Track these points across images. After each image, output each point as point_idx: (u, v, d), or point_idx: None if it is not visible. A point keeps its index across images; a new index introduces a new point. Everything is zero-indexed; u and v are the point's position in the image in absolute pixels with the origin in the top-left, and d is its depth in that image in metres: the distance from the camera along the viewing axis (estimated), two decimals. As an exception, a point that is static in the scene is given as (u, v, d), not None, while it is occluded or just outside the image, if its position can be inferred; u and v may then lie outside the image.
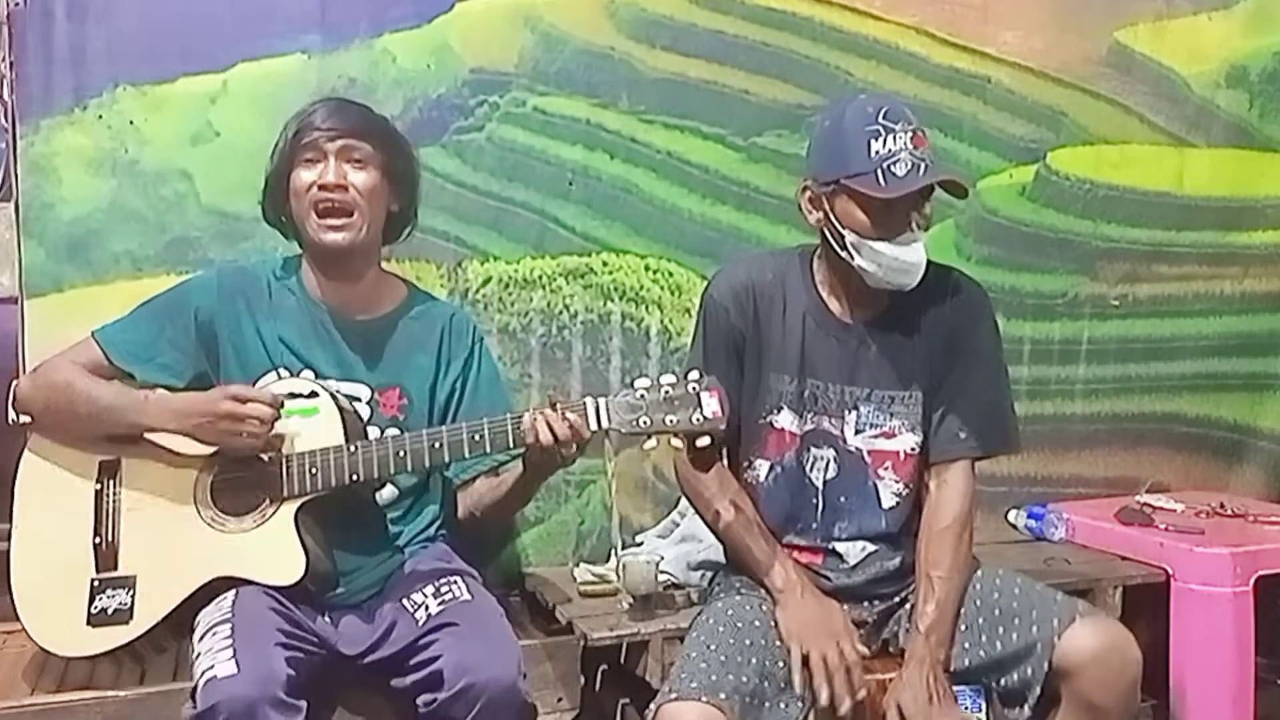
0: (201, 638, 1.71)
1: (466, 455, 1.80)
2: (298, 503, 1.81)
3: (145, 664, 1.90)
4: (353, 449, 1.81)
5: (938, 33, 2.76)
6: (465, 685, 1.66)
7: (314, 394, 1.85)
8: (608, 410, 1.76)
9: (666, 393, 1.74)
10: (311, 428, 1.83)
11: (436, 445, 1.79)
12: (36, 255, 2.24)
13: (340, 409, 1.85)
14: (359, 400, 1.94)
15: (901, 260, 1.85)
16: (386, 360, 1.97)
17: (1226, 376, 3.06)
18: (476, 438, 1.78)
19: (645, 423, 1.74)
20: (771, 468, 2.00)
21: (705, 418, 1.73)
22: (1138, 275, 2.97)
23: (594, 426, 1.76)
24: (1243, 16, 2.99)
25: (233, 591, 1.78)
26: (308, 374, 1.92)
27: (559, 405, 1.76)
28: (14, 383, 1.95)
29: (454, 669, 1.68)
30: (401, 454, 1.80)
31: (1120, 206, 2.93)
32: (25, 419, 1.92)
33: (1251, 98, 3.01)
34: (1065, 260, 2.90)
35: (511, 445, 1.78)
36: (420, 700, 1.72)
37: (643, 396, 1.75)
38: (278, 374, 1.92)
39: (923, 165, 1.81)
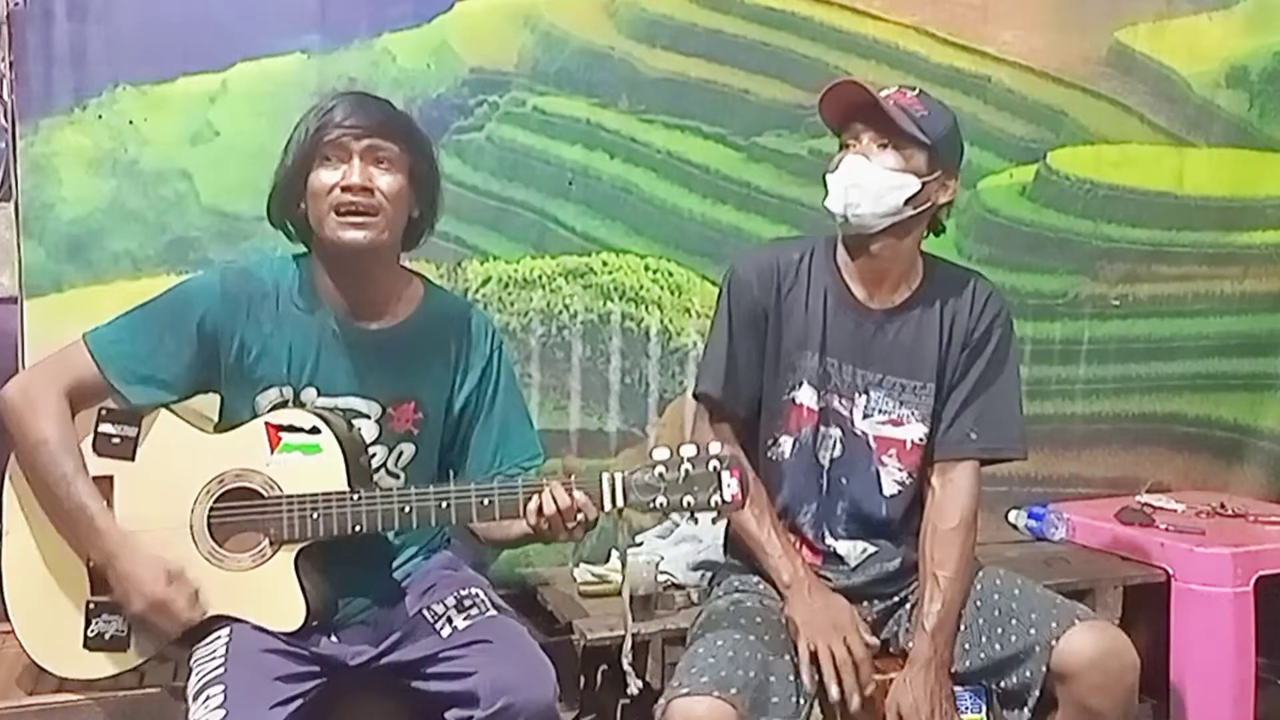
0: (195, 695, 1.65)
1: (474, 519, 1.74)
2: (298, 547, 1.74)
3: (144, 669, 1.88)
4: (356, 498, 1.73)
5: (938, 33, 2.76)
6: (504, 705, 1.63)
7: (316, 429, 1.76)
8: (623, 488, 1.68)
9: (686, 471, 1.66)
10: (312, 467, 1.74)
11: (444, 505, 1.73)
12: (36, 255, 2.24)
13: (343, 446, 1.75)
14: (367, 418, 1.85)
15: (835, 183, 1.89)
16: (401, 372, 1.86)
17: (1226, 376, 3.06)
18: (485, 502, 1.71)
19: (662, 503, 1.67)
20: (794, 444, 1.99)
21: (724, 501, 1.66)
22: (1138, 275, 2.97)
23: (608, 508, 1.69)
24: (1243, 16, 3.00)
25: (226, 630, 1.73)
26: (310, 392, 1.82)
27: (572, 481, 1.69)
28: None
29: (491, 688, 1.65)
30: (407, 510, 1.73)
31: (1120, 206, 2.93)
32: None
33: (1251, 98, 3.01)
34: (1065, 260, 2.90)
35: (519, 513, 1.71)
36: (450, 715, 1.69)
37: (661, 475, 1.67)
38: (281, 393, 1.82)
39: (882, 93, 1.87)
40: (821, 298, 1.96)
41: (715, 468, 1.66)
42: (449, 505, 1.72)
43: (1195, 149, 2.98)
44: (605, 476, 1.69)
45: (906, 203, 1.87)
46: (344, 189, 1.74)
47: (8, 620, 1.85)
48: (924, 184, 1.88)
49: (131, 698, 1.85)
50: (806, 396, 1.97)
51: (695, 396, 2.03)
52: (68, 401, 1.76)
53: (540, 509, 1.68)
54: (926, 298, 1.97)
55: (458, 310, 1.95)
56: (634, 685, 1.97)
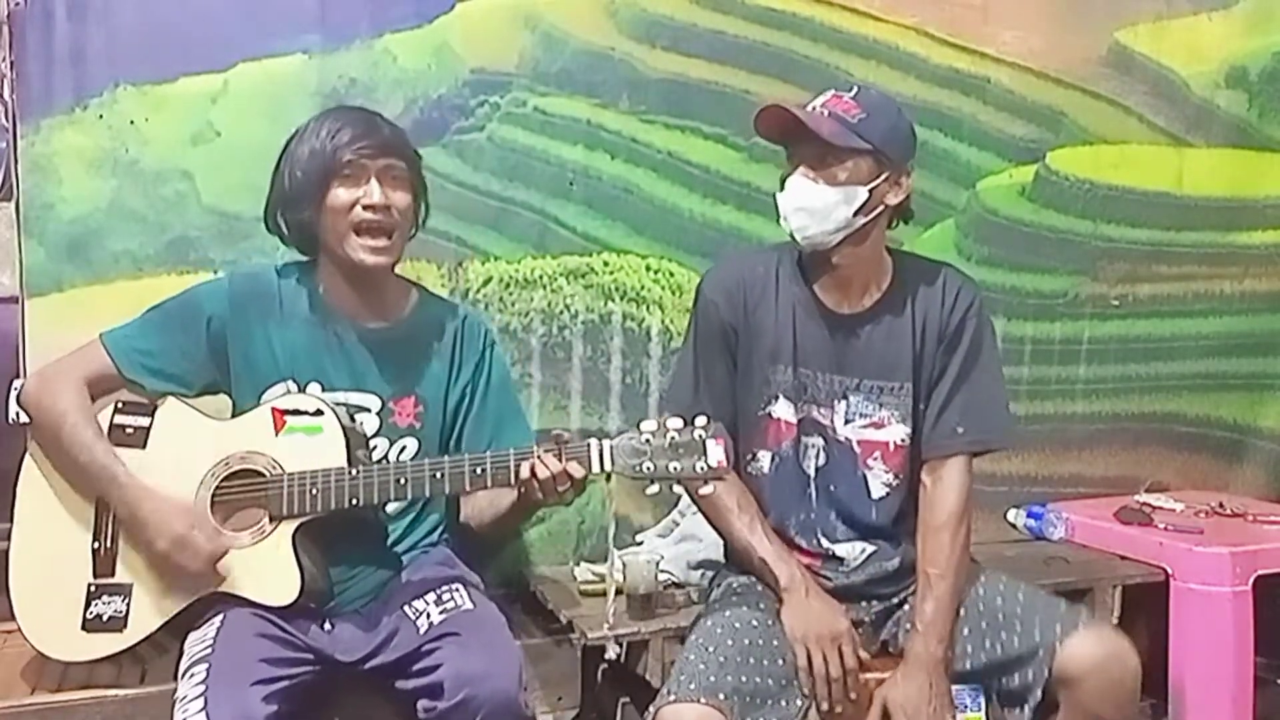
0: (182, 675, 1.70)
1: (467, 488, 1.78)
2: (296, 523, 1.79)
3: (145, 664, 1.90)
4: (354, 472, 1.78)
5: (938, 33, 2.76)
6: (466, 696, 1.66)
7: (319, 412, 1.83)
8: (611, 454, 1.73)
9: (672, 438, 1.72)
10: (314, 446, 1.81)
11: (437, 475, 1.78)
12: (37, 255, 2.24)
13: (344, 429, 1.82)
14: (368, 411, 1.92)
15: (783, 205, 1.89)
16: (400, 368, 1.95)
17: (1226, 376, 3.07)
18: (478, 471, 1.76)
19: (649, 468, 1.72)
20: (773, 458, 2.00)
21: (709, 466, 1.71)
22: (1138, 275, 2.97)
23: (596, 470, 1.74)
24: (1242, 16, 3.00)
25: (220, 616, 1.77)
26: (314, 387, 1.90)
27: (562, 447, 1.74)
28: (18, 383, 1.94)
29: (454, 679, 1.68)
30: (402, 481, 1.78)
31: (1120, 206, 2.93)
32: (26, 420, 1.91)
33: (1251, 98, 3.01)
34: (1065, 260, 2.90)
35: (511, 481, 1.76)
36: (420, 706, 1.72)
37: (648, 441, 1.72)
38: (286, 388, 1.89)
39: (813, 110, 1.88)
40: (790, 309, 1.97)
41: (700, 436, 1.72)
42: (443, 475, 1.78)
43: (1195, 149, 2.98)
44: (593, 443, 1.75)
45: (856, 213, 1.87)
46: (365, 207, 1.85)
47: (7, 620, 1.87)
48: (872, 190, 1.87)
49: (131, 698, 1.86)
50: (783, 410, 1.98)
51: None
52: (86, 388, 1.86)
53: (532, 472, 1.73)
54: (897, 297, 1.96)
55: (451, 311, 2.05)
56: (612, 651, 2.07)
